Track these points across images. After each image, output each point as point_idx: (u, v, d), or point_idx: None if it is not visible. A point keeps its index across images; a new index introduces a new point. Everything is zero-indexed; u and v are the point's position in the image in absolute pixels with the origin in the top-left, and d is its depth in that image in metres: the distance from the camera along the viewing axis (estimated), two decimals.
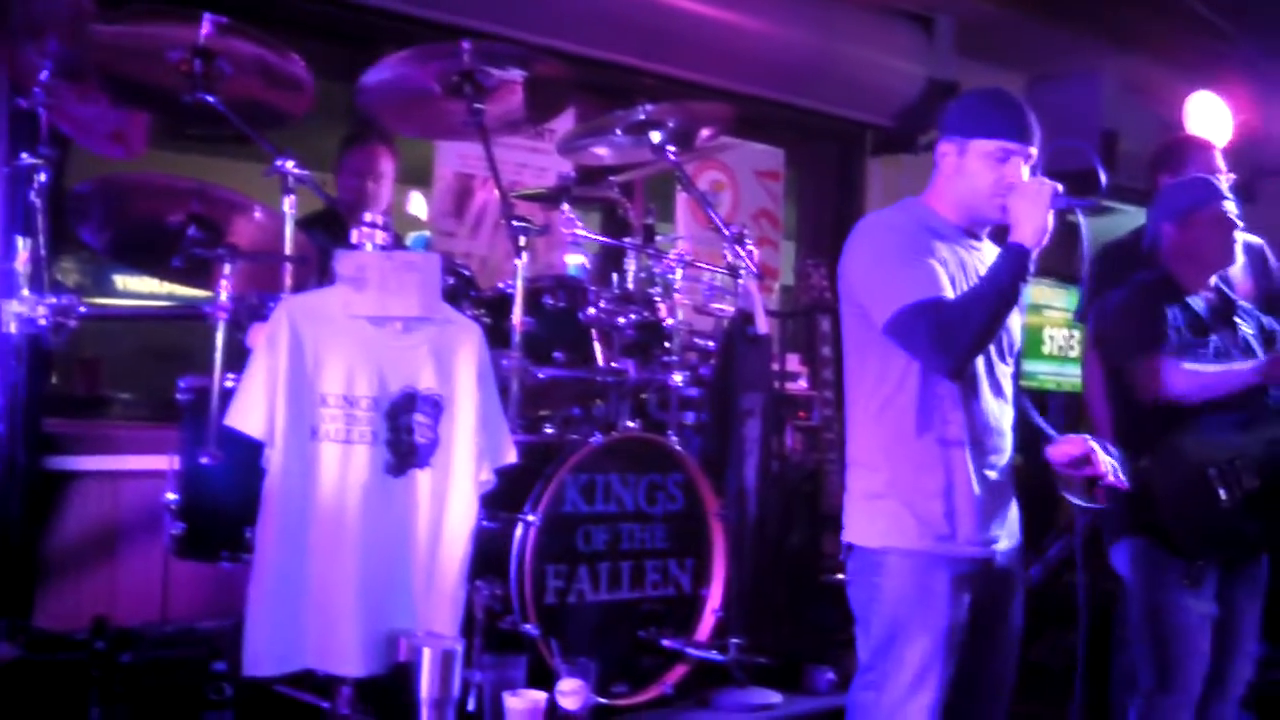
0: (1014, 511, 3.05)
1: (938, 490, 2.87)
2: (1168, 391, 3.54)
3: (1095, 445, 2.93)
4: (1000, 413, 2.97)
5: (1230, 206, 3.69)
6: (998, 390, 2.97)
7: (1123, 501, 3.56)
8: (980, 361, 2.91)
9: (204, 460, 3.20)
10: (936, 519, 2.86)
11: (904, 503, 2.88)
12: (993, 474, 2.93)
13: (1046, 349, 6.97)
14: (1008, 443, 2.99)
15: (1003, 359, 2.99)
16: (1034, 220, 2.80)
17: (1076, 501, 3.07)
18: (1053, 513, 5.26)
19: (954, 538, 2.87)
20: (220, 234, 3.40)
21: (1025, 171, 2.90)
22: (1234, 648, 3.66)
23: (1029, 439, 3.05)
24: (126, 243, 3.59)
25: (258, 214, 3.45)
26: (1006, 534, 2.99)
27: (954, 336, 2.76)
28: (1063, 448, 2.97)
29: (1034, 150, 2.92)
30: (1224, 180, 3.91)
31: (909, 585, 2.86)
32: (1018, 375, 3.10)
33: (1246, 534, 3.60)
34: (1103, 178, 2.87)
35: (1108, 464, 2.92)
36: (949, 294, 2.82)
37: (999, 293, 2.80)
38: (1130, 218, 7.15)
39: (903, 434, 2.89)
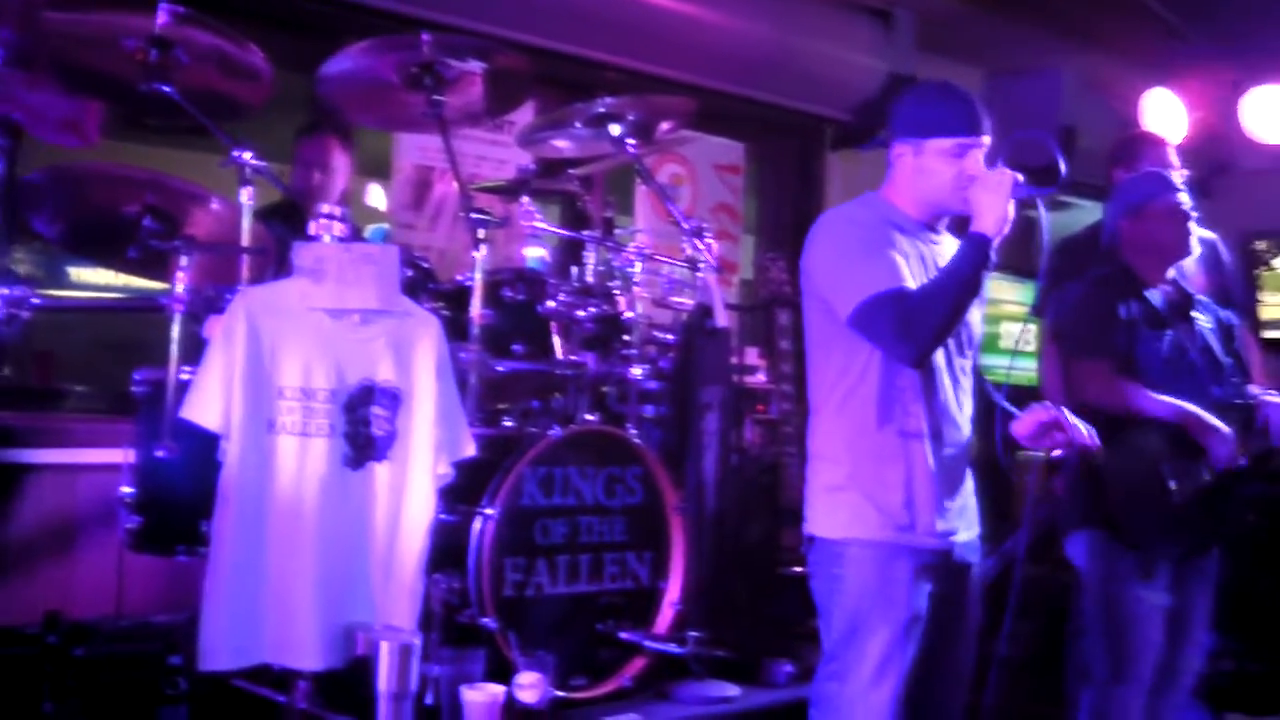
0: (973, 503, 3.07)
1: (898, 482, 2.89)
2: (1095, 400, 3.56)
3: (1062, 413, 2.94)
4: (960, 405, 3.00)
5: (1184, 199, 3.72)
6: (957, 383, 2.99)
7: (1078, 494, 3.59)
8: (940, 354, 2.93)
9: (160, 453, 3.18)
10: (897, 510, 2.88)
11: (865, 494, 2.90)
12: (952, 465, 2.96)
13: (1004, 343, 7.01)
14: (967, 434, 3.02)
15: (961, 352, 3.01)
16: (995, 210, 2.82)
17: (1036, 483, 3.08)
18: (1009, 505, 5.29)
19: (914, 529, 2.89)
20: (177, 225, 3.36)
21: (981, 162, 2.93)
22: (1185, 638, 3.70)
23: (990, 425, 3.07)
24: (81, 233, 3.55)
25: (215, 205, 3.42)
26: (965, 525, 3.02)
27: (917, 326, 2.78)
28: (1028, 418, 2.97)
29: (987, 139, 2.94)
30: (1178, 175, 3.94)
31: (870, 576, 2.88)
32: (978, 368, 3.12)
33: (1198, 527, 3.64)
34: (1063, 168, 2.89)
35: (1075, 422, 2.94)
36: (911, 285, 2.84)
37: (961, 282, 2.82)
38: (1088, 213, 7.20)
39: (864, 426, 2.91)
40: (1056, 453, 3.04)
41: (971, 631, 3.08)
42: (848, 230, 2.97)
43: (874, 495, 2.89)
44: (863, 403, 2.91)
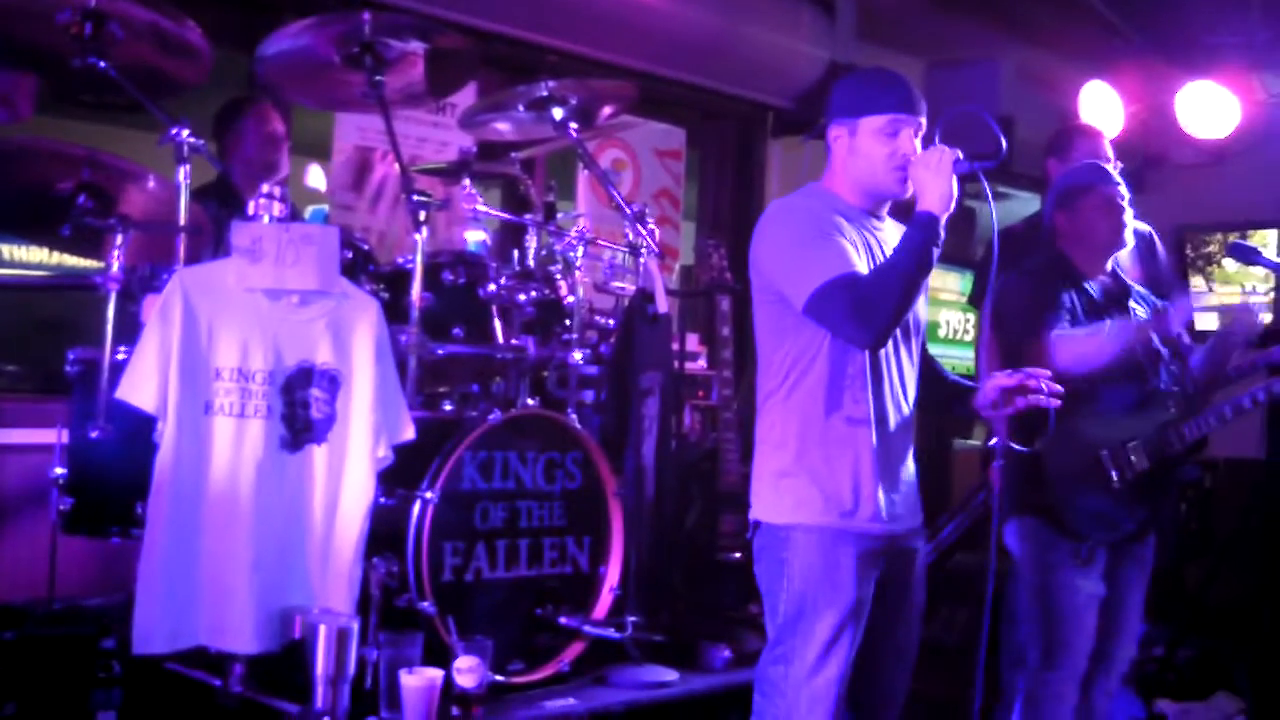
0: (916, 489, 3.10)
1: (844, 468, 2.91)
2: (1058, 366, 3.60)
3: (1024, 375, 2.95)
4: (905, 391, 3.03)
5: (1118, 191, 3.76)
6: (902, 371, 3.02)
7: (1016, 480, 3.63)
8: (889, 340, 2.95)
9: (93, 434, 3.14)
10: (842, 496, 2.91)
11: (811, 480, 2.92)
12: (896, 452, 2.99)
13: (942, 332, 7.08)
14: (910, 421, 3.05)
15: (907, 339, 3.04)
16: (939, 187, 2.84)
17: (1015, 446, 3.09)
18: (946, 491, 5.35)
19: (859, 514, 2.92)
20: (112, 203, 3.32)
21: (917, 143, 2.94)
22: (1119, 627, 3.75)
23: (941, 402, 3.10)
24: (12, 210, 3.49)
25: (151, 183, 3.37)
26: (909, 512, 3.05)
27: (873, 309, 2.79)
28: (993, 383, 2.99)
29: (923, 120, 2.96)
30: (1113, 167, 3.99)
31: (815, 560, 2.90)
32: (924, 354, 3.15)
33: (1135, 515, 3.69)
34: (1003, 142, 2.91)
35: (1041, 381, 2.94)
36: (862, 270, 2.86)
37: (913, 262, 2.83)
38: (1025, 203, 7.27)
39: (812, 414, 2.93)
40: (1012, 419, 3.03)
41: (915, 616, 3.11)
42: (794, 219, 2.98)
43: (820, 481, 2.92)
44: (811, 391, 2.93)
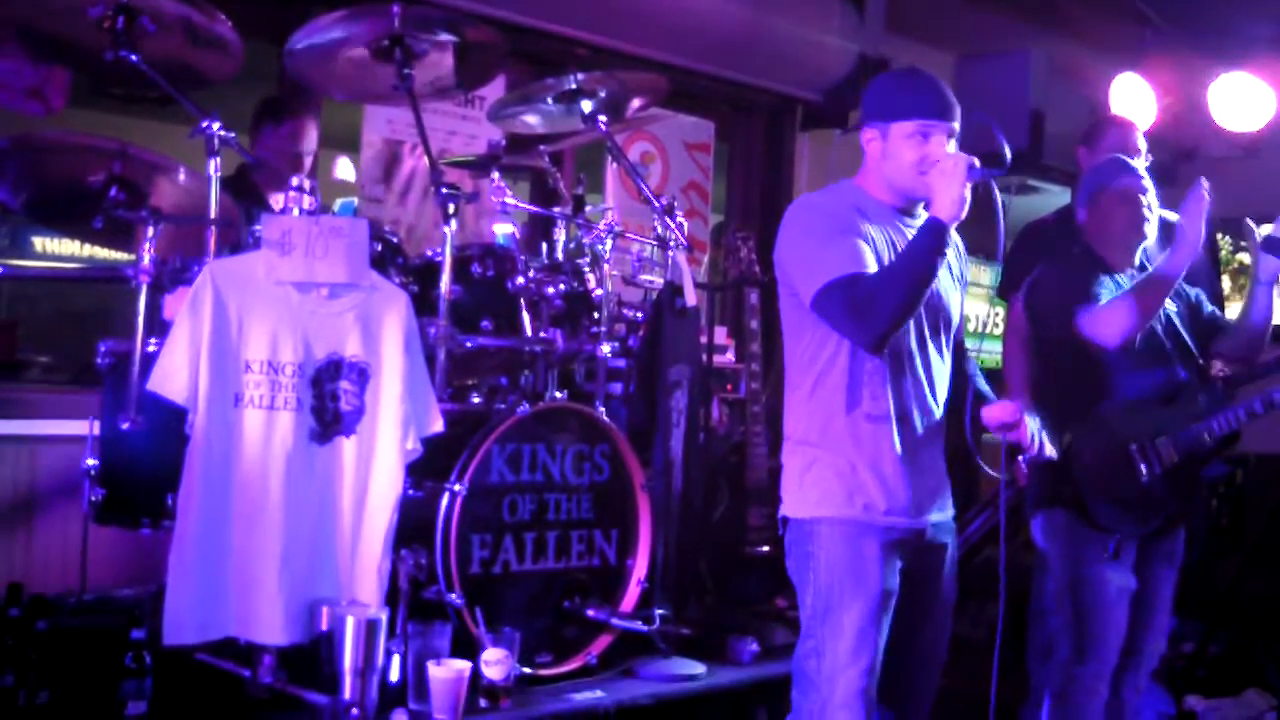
0: (946, 485, 3.11)
1: (865, 464, 2.93)
2: (1095, 340, 3.58)
3: (1026, 414, 3.01)
4: (932, 388, 3.02)
5: (1136, 181, 3.73)
6: (930, 365, 3.02)
7: (1044, 474, 3.61)
8: (912, 338, 2.97)
9: (125, 425, 3.15)
10: (864, 490, 2.93)
11: (835, 475, 2.95)
12: (921, 449, 3.00)
13: (971, 326, 7.05)
14: (938, 419, 3.05)
15: (936, 336, 3.04)
16: (950, 194, 2.84)
17: (993, 474, 3.12)
18: (974, 487, 5.32)
19: (882, 508, 2.93)
20: (142, 195, 3.33)
21: (950, 147, 2.95)
22: (1149, 621, 3.74)
23: (962, 407, 3.10)
24: (44, 203, 3.51)
25: (181, 176, 3.38)
26: (937, 507, 3.06)
27: (870, 311, 2.82)
28: (994, 410, 3.03)
29: (956, 125, 2.97)
30: (1141, 160, 3.96)
31: (841, 552, 2.92)
32: (960, 351, 3.15)
33: (1164, 509, 3.67)
34: (1008, 151, 2.92)
35: (1033, 432, 3.01)
36: (871, 270, 2.86)
37: (915, 267, 2.85)
38: (1056, 197, 7.23)
39: (833, 410, 2.96)
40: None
41: (944, 612, 3.12)
42: (811, 216, 3.01)
43: (843, 476, 2.94)
44: (832, 387, 2.96)
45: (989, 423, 3.04)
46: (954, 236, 3.04)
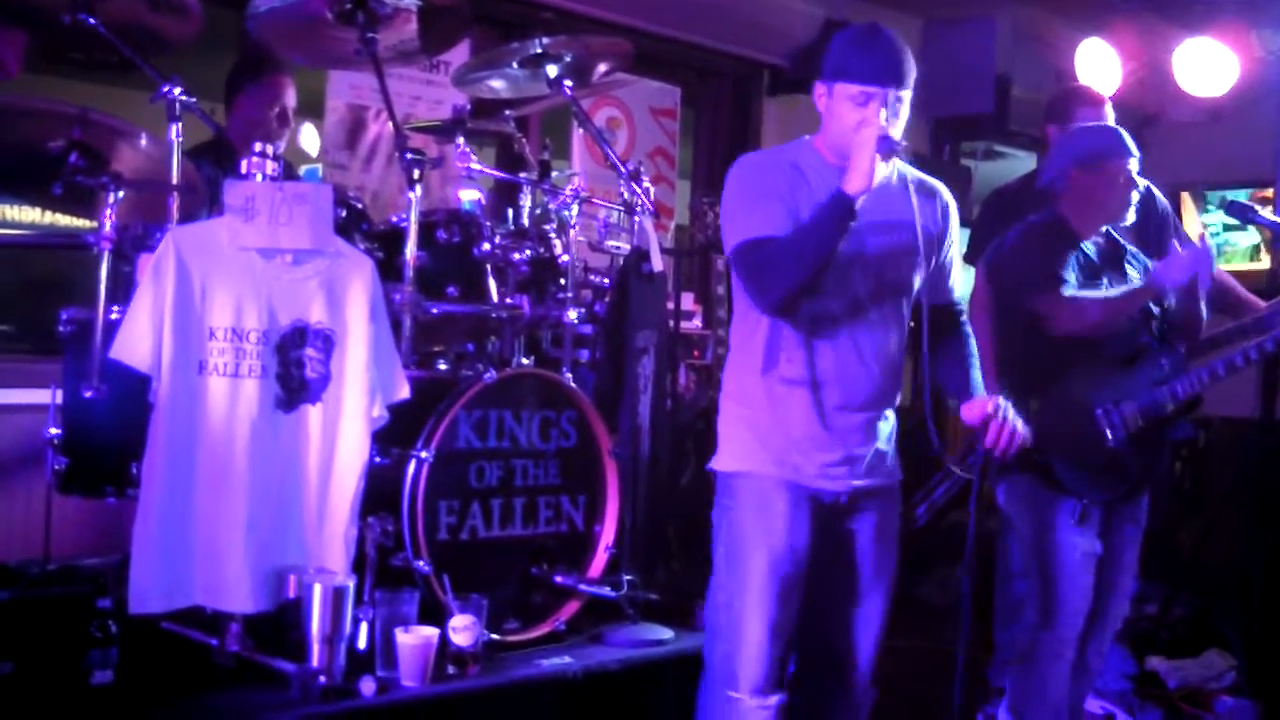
0: (878, 451, 3.07)
1: (779, 424, 2.99)
2: (1072, 327, 3.60)
3: (1002, 412, 2.92)
4: (862, 357, 2.99)
5: (1134, 165, 3.72)
6: (861, 334, 2.99)
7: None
8: (840, 304, 2.95)
9: (88, 393, 3.13)
10: (774, 449, 2.99)
11: (750, 432, 3.02)
12: (843, 414, 2.99)
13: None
14: (870, 384, 3.01)
15: (879, 302, 3.00)
16: (859, 165, 2.82)
17: (954, 469, 3.12)
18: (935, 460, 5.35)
19: (794, 467, 2.98)
20: (104, 162, 3.29)
21: (884, 115, 2.90)
22: (1113, 584, 3.77)
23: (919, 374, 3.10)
24: (3, 169, 3.47)
25: (143, 142, 3.35)
26: (865, 473, 3.04)
27: (768, 277, 2.86)
28: (973, 407, 2.99)
29: (901, 93, 2.93)
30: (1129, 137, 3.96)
31: (750, 504, 3.00)
32: (951, 323, 3.14)
33: (1130, 473, 3.69)
34: (902, 141, 2.89)
35: (1004, 430, 2.92)
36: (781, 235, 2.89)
37: (812, 238, 2.85)
38: (1021, 162, 7.24)
39: (753, 370, 3.02)
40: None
41: (879, 575, 3.12)
42: (741, 176, 3.05)
43: (758, 433, 3.01)
44: (753, 348, 3.02)
45: (970, 422, 2.99)
46: (947, 199, 3.04)
